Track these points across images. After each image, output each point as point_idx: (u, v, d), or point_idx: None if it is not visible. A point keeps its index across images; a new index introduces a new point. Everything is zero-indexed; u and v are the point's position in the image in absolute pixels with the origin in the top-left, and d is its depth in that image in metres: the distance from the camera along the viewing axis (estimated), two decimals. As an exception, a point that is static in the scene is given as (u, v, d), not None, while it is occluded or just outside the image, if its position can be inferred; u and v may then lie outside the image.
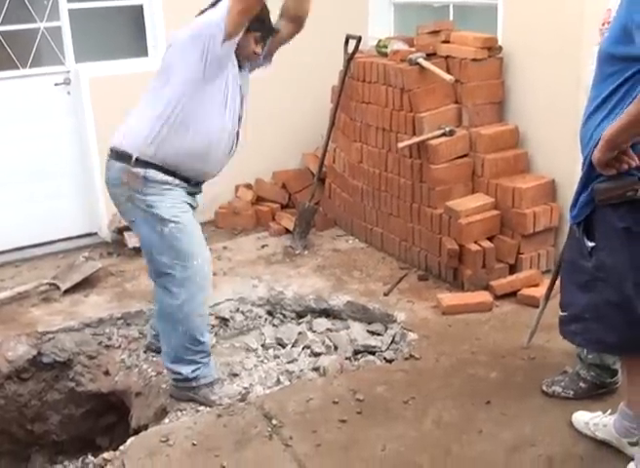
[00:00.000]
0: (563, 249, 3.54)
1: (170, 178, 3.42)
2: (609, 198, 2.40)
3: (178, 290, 3.48)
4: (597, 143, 2.38)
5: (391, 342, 4.05)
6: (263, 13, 3.42)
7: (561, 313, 2.74)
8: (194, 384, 3.59)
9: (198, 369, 3.58)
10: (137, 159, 3.37)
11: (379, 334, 4.19)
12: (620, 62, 2.35)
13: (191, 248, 3.47)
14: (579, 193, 2.52)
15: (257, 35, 3.44)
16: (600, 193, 2.41)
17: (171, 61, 3.36)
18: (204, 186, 3.70)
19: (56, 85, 5.35)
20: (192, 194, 3.58)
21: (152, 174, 3.38)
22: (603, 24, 3.14)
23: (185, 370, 3.56)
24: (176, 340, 3.55)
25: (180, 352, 3.55)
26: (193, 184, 3.55)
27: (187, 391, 3.63)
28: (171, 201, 3.43)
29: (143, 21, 5.59)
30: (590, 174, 2.46)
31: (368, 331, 4.22)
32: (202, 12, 3.44)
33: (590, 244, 2.50)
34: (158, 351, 3.96)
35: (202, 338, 3.58)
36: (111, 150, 3.48)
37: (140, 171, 3.37)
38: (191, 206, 3.57)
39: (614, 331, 2.54)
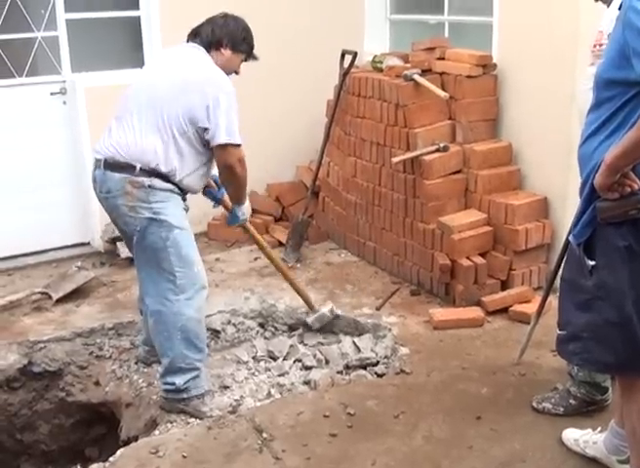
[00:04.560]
0: (555, 266, 3.58)
1: (171, 186, 3.50)
2: (611, 216, 2.41)
3: (176, 297, 3.50)
4: (598, 164, 2.40)
5: (383, 357, 4.05)
6: (251, 38, 3.70)
7: (559, 332, 2.72)
8: (185, 395, 3.58)
9: (192, 379, 3.57)
10: (141, 168, 3.42)
11: (370, 349, 4.19)
12: (617, 86, 2.36)
13: (193, 254, 3.56)
14: (581, 213, 2.53)
15: (242, 58, 3.70)
16: (603, 211, 2.42)
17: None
18: (199, 198, 3.83)
19: (52, 94, 5.37)
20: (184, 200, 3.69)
21: (156, 182, 3.44)
22: (595, 46, 3.17)
23: (179, 380, 3.56)
24: (174, 349, 3.55)
25: (179, 361, 3.56)
26: (185, 193, 3.66)
27: (178, 403, 3.62)
28: (174, 207, 3.51)
29: (140, 33, 5.62)
30: (592, 194, 2.46)
31: (359, 346, 4.21)
32: (194, 34, 3.63)
33: (591, 263, 2.49)
34: (150, 364, 4.01)
35: (200, 345, 3.60)
36: (105, 161, 3.48)
37: (145, 180, 3.42)
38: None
39: (612, 351, 2.53)
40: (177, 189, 3.52)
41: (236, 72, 3.71)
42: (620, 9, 2.38)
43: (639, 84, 2.26)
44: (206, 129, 3.41)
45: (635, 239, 2.43)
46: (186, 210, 3.66)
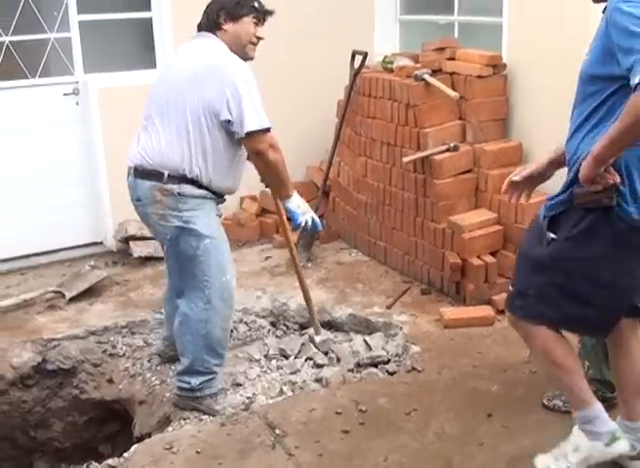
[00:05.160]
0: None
1: (203, 192, 3.43)
2: (586, 202, 2.62)
3: (205, 305, 3.50)
4: (582, 156, 2.58)
5: (394, 355, 4.08)
6: None
7: (510, 288, 2.96)
8: (198, 394, 3.62)
9: (206, 380, 3.61)
10: (169, 175, 3.37)
11: (381, 347, 4.21)
12: (601, 82, 2.56)
13: (223, 263, 3.51)
14: (560, 193, 2.75)
15: (251, 21, 3.48)
16: (580, 197, 2.63)
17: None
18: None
19: (64, 95, 5.41)
20: (221, 203, 3.64)
21: (186, 189, 3.38)
22: None
23: (195, 380, 3.59)
24: (195, 353, 3.57)
25: (198, 364, 3.58)
26: (222, 196, 3.60)
27: (191, 401, 3.65)
28: (206, 215, 3.45)
29: (152, 34, 5.66)
30: (574, 180, 2.67)
31: (370, 344, 4.24)
32: (197, 27, 3.53)
33: (552, 235, 2.73)
34: (170, 360, 4.03)
35: (221, 351, 3.63)
36: (135, 169, 3.46)
37: (175, 187, 3.37)
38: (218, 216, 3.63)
39: (554, 308, 2.77)
40: (210, 194, 3.46)
41: (257, 38, 3.50)
42: (603, 11, 2.55)
43: (622, 78, 2.42)
44: (229, 121, 3.30)
45: (604, 224, 2.62)
46: (219, 216, 3.64)
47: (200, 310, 3.51)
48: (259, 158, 3.43)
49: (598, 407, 2.87)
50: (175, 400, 3.73)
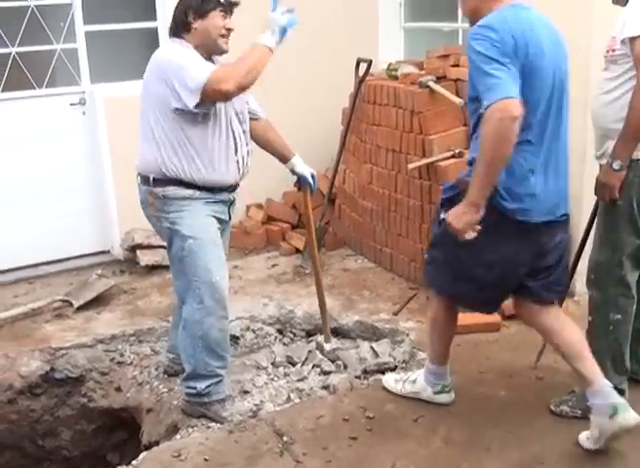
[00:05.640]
0: (570, 270, 3.68)
1: (190, 192, 3.46)
2: (462, 189, 2.96)
3: (198, 304, 3.53)
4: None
5: (401, 361, 4.08)
6: None
7: (425, 256, 3.41)
8: (206, 400, 3.63)
9: (213, 384, 3.61)
10: (154, 179, 3.45)
11: (388, 354, 4.22)
12: (474, 102, 2.94)
13: (208, 264, 3.51)
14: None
15: (219, 15, 3.43)
16: (460, 184, 3.03)
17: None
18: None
19: (71, 105, 5.44)
20: (223, 203, 3.61)
21: (171, 192, 3.45)
22: (607, 51, 3.23)
23: (200, 385, 3.60)
24: (197, 356, 3.58)
25: (200, 368, 3.59)
26: (218, 192, 3.56)
27: (199, 406, 3.66)
28: (190, 216, 3.48)
29: (158, 43, 5.68)
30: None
31: (377, 351, 4.25)
32: (171, 29, 3.52)
33: (443, 216, 3.05)
34: (175, 374, 4.02)
35: (222, 352, 3.62)
36: (137, 174, 3.58)
37: (159, 190, 3.46)
38: (220, 219, 3.60)
39: (447, 283, 3.22)
40: (198, 193, 3.47)
41: (227, 30, 3.43)
42: None
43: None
44: (178, 108, 3.30)
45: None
46: (221, 219, 3.61)
47: (194, 310, 3.54)
48: (228, 99, 3.34)
49: (446, 368, 3.54)
50: (183, 406, 3.74)
